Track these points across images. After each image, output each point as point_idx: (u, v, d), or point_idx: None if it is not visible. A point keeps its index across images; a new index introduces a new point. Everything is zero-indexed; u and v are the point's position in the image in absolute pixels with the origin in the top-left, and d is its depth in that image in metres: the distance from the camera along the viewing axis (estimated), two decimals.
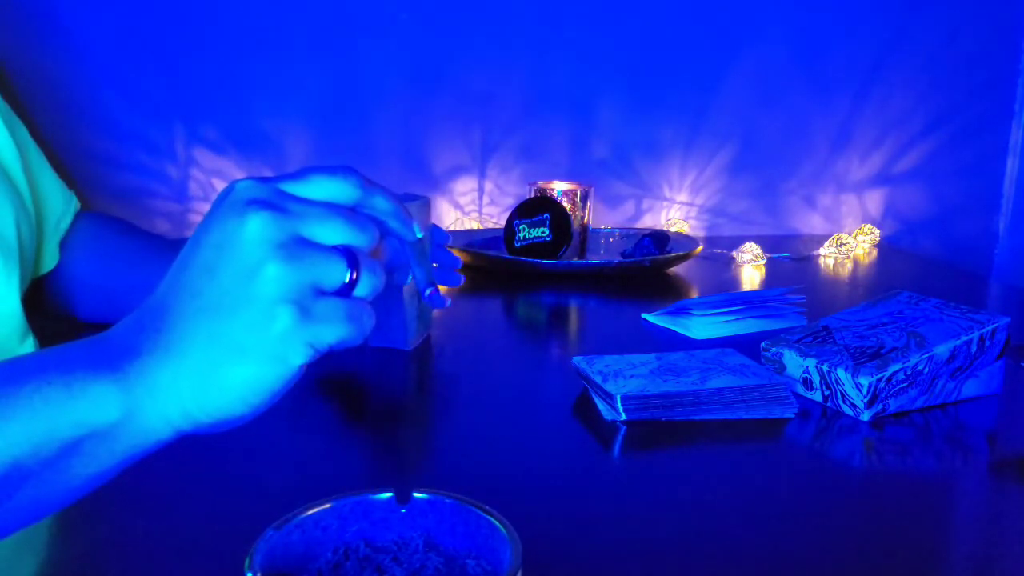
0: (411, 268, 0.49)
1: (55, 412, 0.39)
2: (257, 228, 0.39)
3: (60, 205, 0.87)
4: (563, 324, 1.17)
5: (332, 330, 0.40)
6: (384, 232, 0.45)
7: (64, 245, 0.87)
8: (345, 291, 0.41)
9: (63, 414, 0.39)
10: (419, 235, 0.47)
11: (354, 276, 0.41)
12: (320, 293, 0.40)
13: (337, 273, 0.40)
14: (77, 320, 0.91)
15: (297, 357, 0.40)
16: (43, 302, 0.87)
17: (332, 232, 0.41)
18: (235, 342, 0.39)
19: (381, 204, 0.44)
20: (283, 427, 0.77)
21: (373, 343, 0.93)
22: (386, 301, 0.90)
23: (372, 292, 0.42)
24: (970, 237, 1.66)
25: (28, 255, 0.77)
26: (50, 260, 0.85)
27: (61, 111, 1.27)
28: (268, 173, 1.37)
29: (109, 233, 0.91)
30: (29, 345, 0.76)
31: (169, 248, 0.89)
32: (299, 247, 0.40)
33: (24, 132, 0.85)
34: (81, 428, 0.39)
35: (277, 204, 0.40)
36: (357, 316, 0.41)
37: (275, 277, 0.39)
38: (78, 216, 0.90)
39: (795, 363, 0.82)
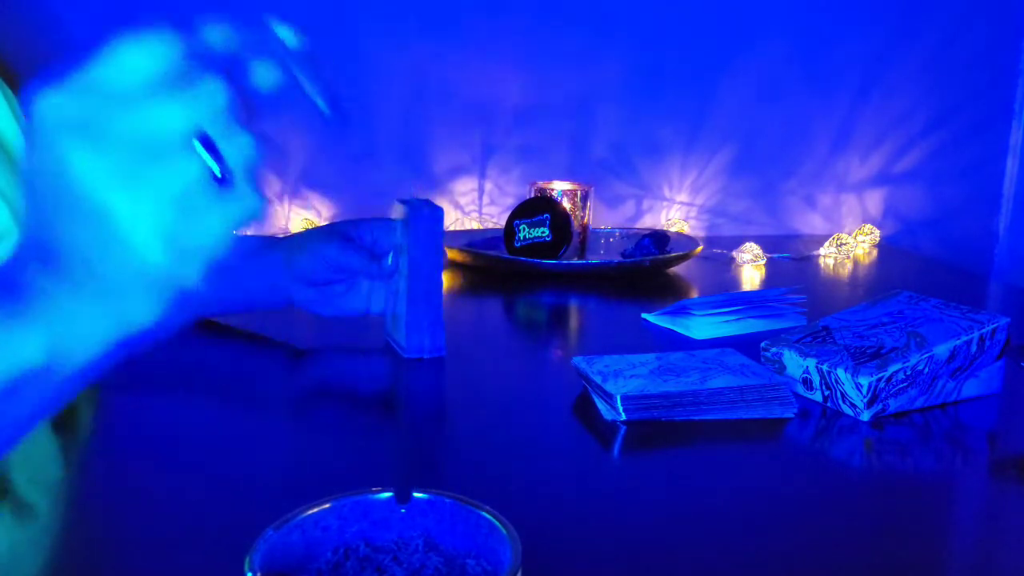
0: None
1: None
2: None
3: None
4: (563, 324, 1.17)
5: None
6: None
7: None
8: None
9: None
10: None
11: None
12: None
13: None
14: None
15: None
16: None
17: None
18: None
19: None
20: (283, 427, 0.77)
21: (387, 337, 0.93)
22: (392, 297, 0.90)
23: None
24: (970, 237, 1.66)
25: None
26: None
27: None
28: (268, 173, 1.36)
29: None
30: None
31: None
32: None
33: None
34: None
35: None
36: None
37: None
38: None
39: (795, 363, 0.82)
